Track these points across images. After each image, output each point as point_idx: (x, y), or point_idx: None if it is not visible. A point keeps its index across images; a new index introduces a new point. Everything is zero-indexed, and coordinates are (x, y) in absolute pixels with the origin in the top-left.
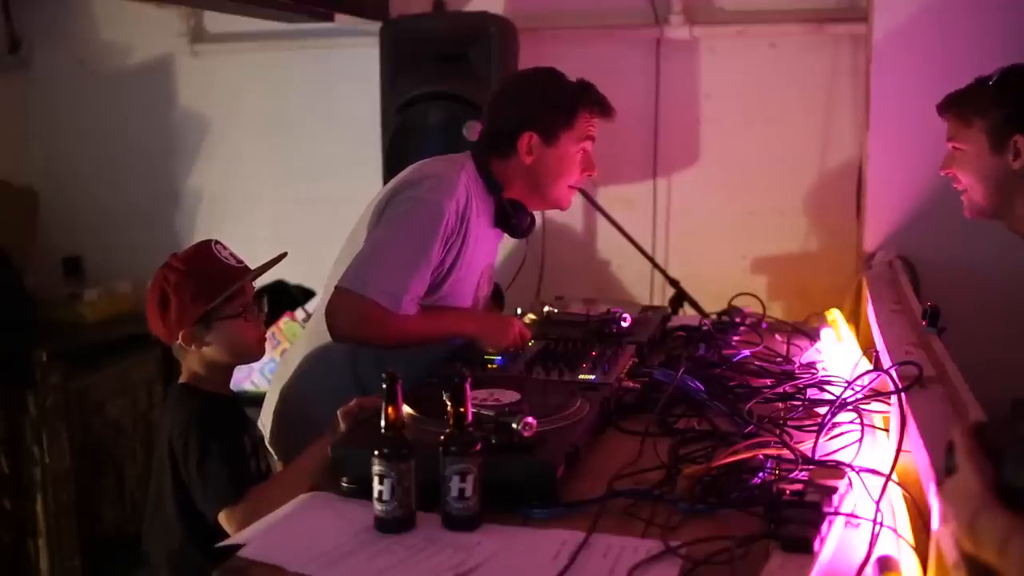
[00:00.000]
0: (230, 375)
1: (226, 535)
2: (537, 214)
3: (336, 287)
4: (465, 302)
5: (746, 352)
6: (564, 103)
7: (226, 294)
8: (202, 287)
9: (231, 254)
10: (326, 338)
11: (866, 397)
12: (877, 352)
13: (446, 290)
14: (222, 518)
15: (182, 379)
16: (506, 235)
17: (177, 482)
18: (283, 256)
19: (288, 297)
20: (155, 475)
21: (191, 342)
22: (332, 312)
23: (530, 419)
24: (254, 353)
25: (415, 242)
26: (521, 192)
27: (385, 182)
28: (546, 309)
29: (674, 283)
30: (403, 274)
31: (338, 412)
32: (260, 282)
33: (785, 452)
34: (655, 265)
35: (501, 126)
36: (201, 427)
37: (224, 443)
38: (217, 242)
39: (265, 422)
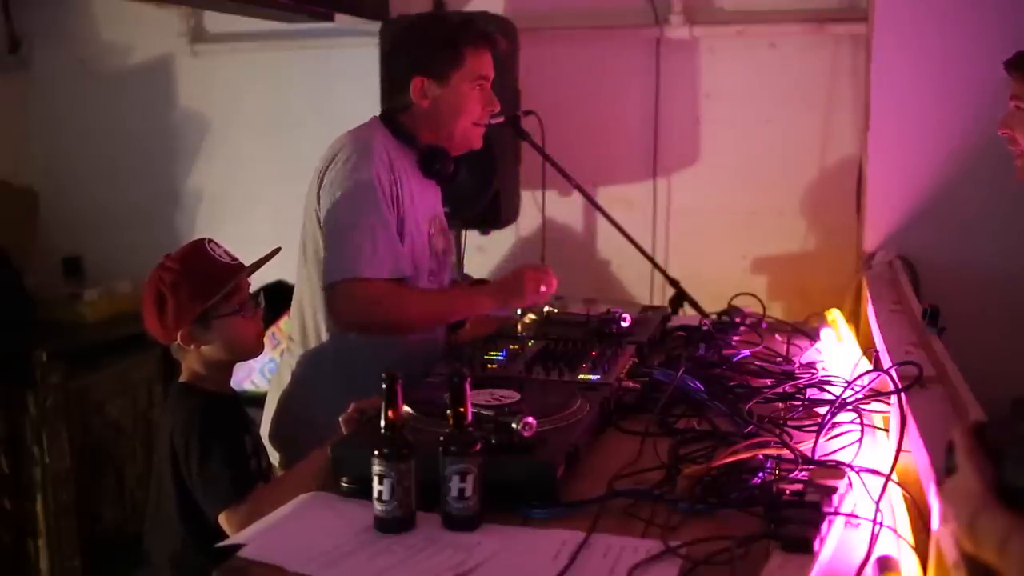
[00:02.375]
0: (230, 373)
1: (227, 535)
2: (537, 214)
3: (325, 287)
4: (424, 257)
5: (746, 352)
6: (446, 42)
7: (223, 292)
8: (198, 286)
9: (225, 252)
10: (314, 341)
11: (866, 397)
12: (877, 352)
13: (406, 246)
14: (223, 519)
15: (182, 378)
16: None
17: (178, 482)
18: (277, 251)
19: (288, 296)
20: (155, 475)
21: (190, 341)
22: (337, 311)
23: (530, 419)
24: (253, 349)
25: (370, 218)
26: (430, 137)
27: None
28: (546, 309)
29: (674, 283)
30: (378, 244)
31: (340, 419)
32: (260, 281)
33: (785, 452)
34: (655, 265)
35: (394, 79)
36: (202, 427)
37: (225, 443)
38: (210, 240)
39: (265, 424)
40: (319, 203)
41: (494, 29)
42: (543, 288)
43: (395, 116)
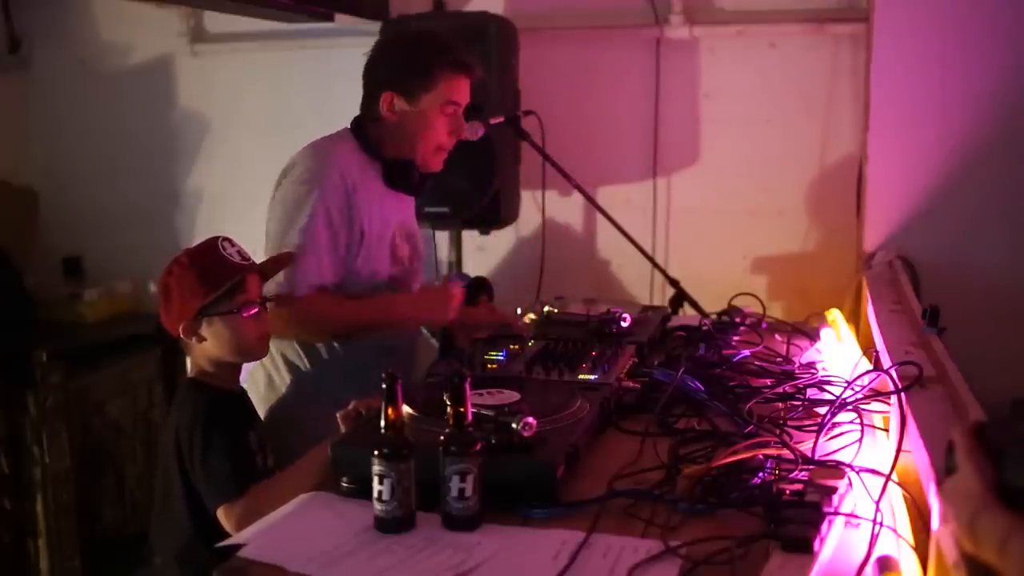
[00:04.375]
0: (238, 371)
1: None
2: (537, 214)
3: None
4: (383, 264)
5: (746, 352)
6: (421, 62)
7: (221, 289)
8: (200, 281)
9: (238, 251)
10: (280, 345)
11: (866, 397)
12: (877, 352)
13: (362, 257)
14: (221, 514)
15: (190, 374)
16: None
17: (184, 477)
18: (289, 256)
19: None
20: (161, 472)
21: (189, 336)
22: (272, 326)
23: (530, 419)
24: (253, 351)
25: (302, 235)
26: (395, 151)
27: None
28: (546, 309)
29: (674, 283)
30: (306, 259)
31: (337, 415)
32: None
33: (785, 452)
34: (655, 265)
35: (368, 88)
36: (206, 422)
37: (228, 438)
38: (225, 239)
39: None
40: (273, 204)
41: (473, 59)
42: (459, 317)
43: (364, 126)
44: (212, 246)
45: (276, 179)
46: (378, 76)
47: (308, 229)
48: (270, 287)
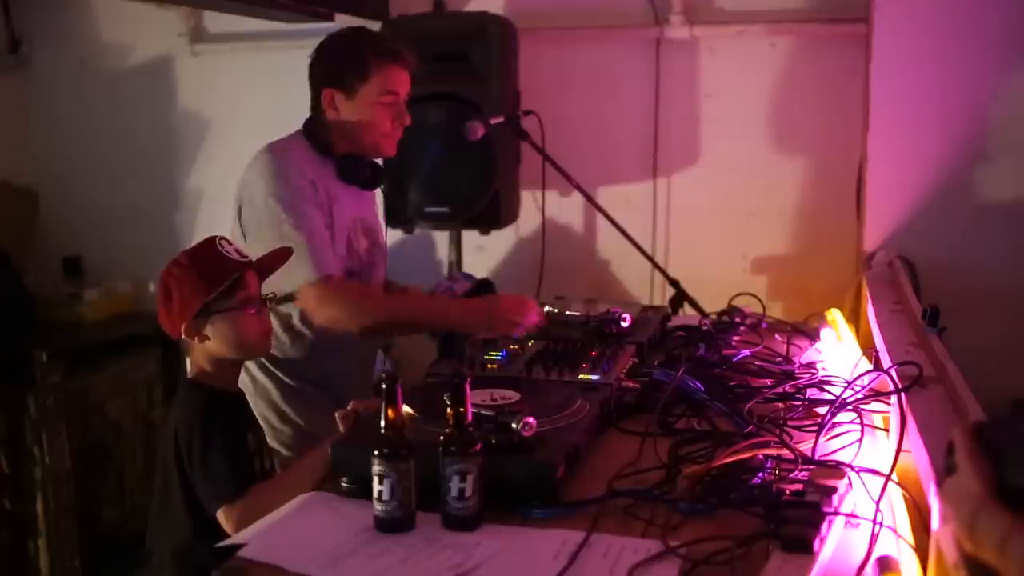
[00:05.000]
0: (237, 371)
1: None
2: (537, 214)
3: (301, 290)
4: (338, 257)
5: (746, 352)
6: (354, 56)
7: (222, 287)
8: (201, 280)
9: (236, 249)
10: (284, 349)
11: (866, 397)
12: (877, 352)
13: None
14: (220, 515)
15: (190, 375)
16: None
17: (183, 478)
18: (288, 253)
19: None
20: (160, 472)
21: (192, 335)
22: (312, 311)
23: (530, 419)
24: (256, 348)
25: (310, 222)
26: (346, 146)
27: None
28: (546, 309)
29: (674, 283)
30: (323, 245)
31: (336, 415)
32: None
33: (785, 452)
34: (655, 265)
35: (312, 89)
36: (205, 423)
37: (227, 439)
38: (222, 238)
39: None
40: (241, 218)
41: (405, 48)
42: (516, 321)
43: (314, 126)
44: (210, 245)
45: (241, 185)
46: (318, 75)
47: (305, 223)
48: (283, 283)
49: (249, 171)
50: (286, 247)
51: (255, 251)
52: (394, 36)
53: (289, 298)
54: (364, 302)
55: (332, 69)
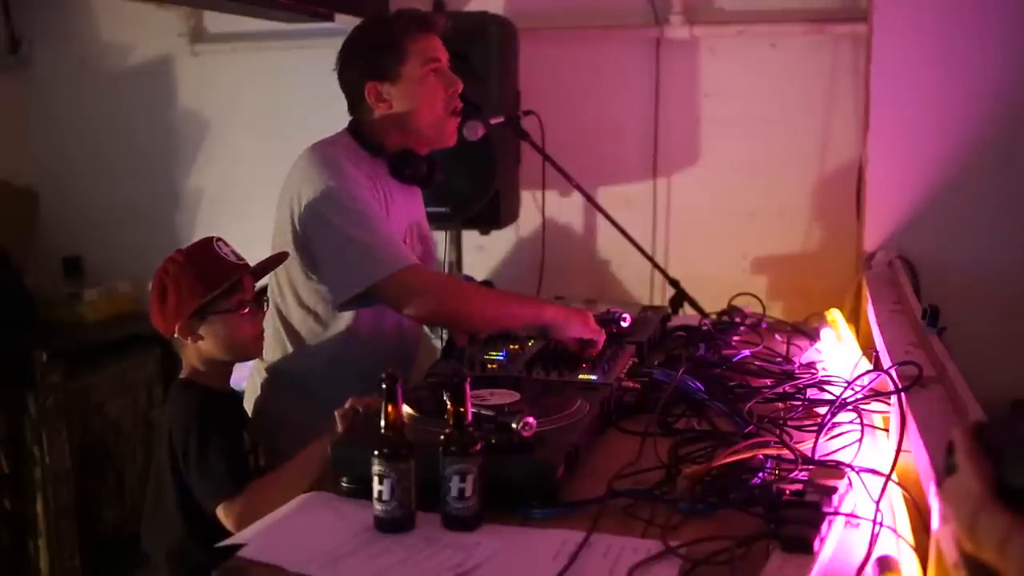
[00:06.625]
0: (229, 371)
1: (226, 531)
2: (537, 214)
3: (376, 285)
4: None
5: (746, 352)
6: (384, 40)
7: (220, 289)
8: (198, 280)
9: (232, 251)
10: (280, 350)
11: (866, 397)
12: (877, 352)
13: None
14: (220, 512)
15: (182, 374)
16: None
17: (177, 478)
18: (284, 256)
19: None
20: (154, 472)
21: (187, 335)
22: (401, 302)
23: (530, 419)
24: (249, 350)
25: (375, 220)
26: (401, 140)
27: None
28: None
29: (674, 283)
30: (395, 239)
31: (336, 413)
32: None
33: (785, 452)
34: (655, 265)
35: (350, 93)
36: (200, 422)
37: (223, 437)
38: (219, 239)
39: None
40: (296, 219)
41: (428, 12)
42: (586, 338)
43: (361, 127)
44: (207, 246)
45: (291, 186)
46: (352, 76)
47: (372, 212)
48: (352, 282)
49: (296, 171)
50: (281, 252)
51: (320, 252)
52: (402, 11)
53: (363, 299)
54: (465, 289)
55: (366, 62)
